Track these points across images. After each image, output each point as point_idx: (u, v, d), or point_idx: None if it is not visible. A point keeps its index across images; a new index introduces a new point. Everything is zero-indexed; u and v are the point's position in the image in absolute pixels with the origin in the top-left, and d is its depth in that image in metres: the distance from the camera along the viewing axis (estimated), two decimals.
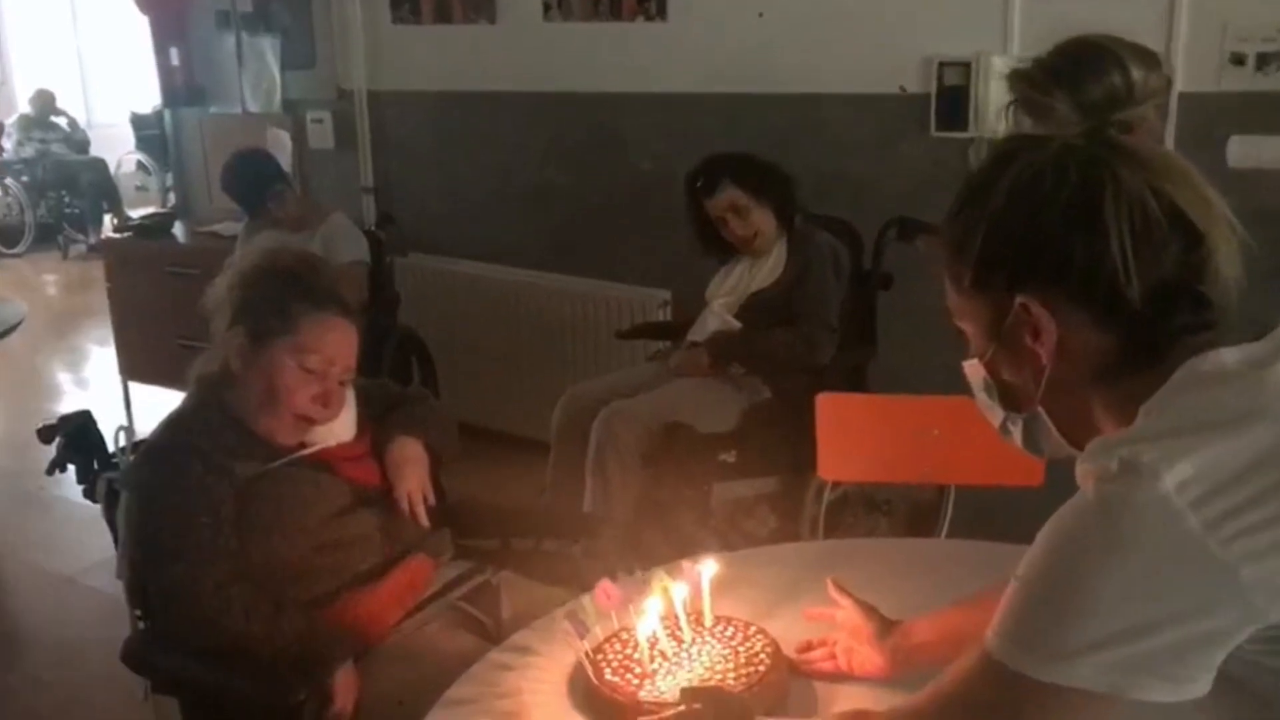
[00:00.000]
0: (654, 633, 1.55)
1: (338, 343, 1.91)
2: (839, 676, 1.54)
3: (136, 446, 1.96)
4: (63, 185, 9.12)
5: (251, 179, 3.95)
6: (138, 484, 1.85)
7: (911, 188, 3.49)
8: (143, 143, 9.53)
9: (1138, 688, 0.95)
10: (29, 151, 9.21)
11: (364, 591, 1.89)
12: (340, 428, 1.99)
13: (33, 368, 4.04)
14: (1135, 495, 0.95)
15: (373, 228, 4.35)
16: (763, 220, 3.15)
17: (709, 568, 1.64)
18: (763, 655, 1.54)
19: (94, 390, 4.55)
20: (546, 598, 1.63)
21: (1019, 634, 1.01)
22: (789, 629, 1.63)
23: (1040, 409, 1.13)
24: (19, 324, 3.82)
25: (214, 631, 1.76)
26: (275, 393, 1.87)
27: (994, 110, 3.41)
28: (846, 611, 1.56)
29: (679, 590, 1.60)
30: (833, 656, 1.56)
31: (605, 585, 1.58)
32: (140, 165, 9.73)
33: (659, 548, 2.87)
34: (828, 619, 1.60)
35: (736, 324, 3.18)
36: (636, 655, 1.54)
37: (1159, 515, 0.94)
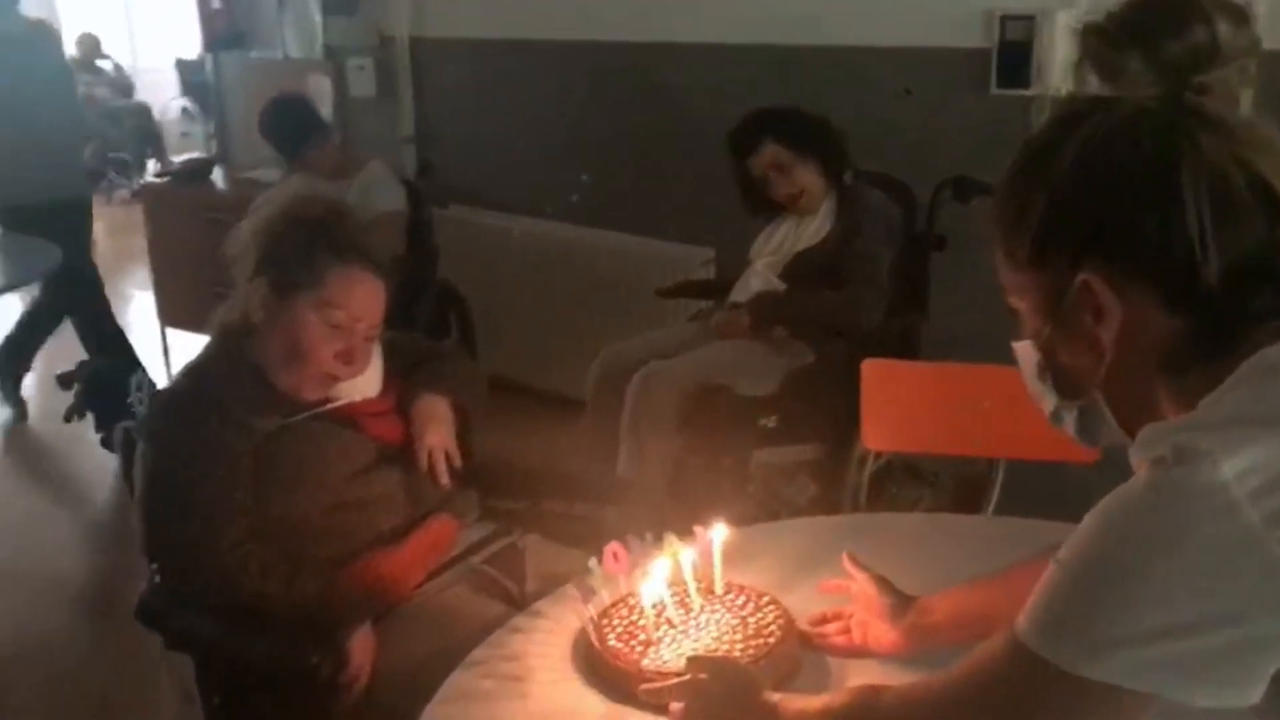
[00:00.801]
0: (661, 600, 1.50)
1: (364, 298, 1.85)
2: (853, 652, 1.49)
3: (155, 395, 1.91)
4: (107, 130, 9.13)
5: (290, 125, 3.91)
6: (153, 434, 1.81)
7: (969, 147, 3.37)
8: (188, 88, 9.50)
9: (1178, 689, 0.89)
10: None
11: (385, 552, 1.83)
12: (365, 383, 1.93)
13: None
14: (1190, 482, 0.88)
15: (412, 178, 4.28)
16: (807, 178, 3.05)
17: (720, 533, 1.58)
18: (774, 627, 1.48)
19: (134, 336, 4.55)
20: (573, 563, 1.57)
21: (1052, 620, 0.94)
22: (805, 601, 1.57)
23: (1098, 396, 1.05)
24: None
25: (228, 589, 1.72)
26: (298, 348, 1.81)
27: (1059, 68, 3.28)
28: (861, 585, 1.50)
29: (687, 556, 1.54)
30: (847, 631, 1.50)
31: (614, 548, 1.53)
32: (185, 111, 9.70)
33: (694, 513, 2.80)
34: (842, 591, 1.54)
35: (781, 284, 3.08)
36: (642, 622, 1.49)
37: (1215, 505, 0.87)
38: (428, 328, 3.84)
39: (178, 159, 5.90)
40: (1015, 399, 2.07)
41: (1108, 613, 0.90)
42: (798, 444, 3.02)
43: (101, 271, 4.59)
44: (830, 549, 1.71)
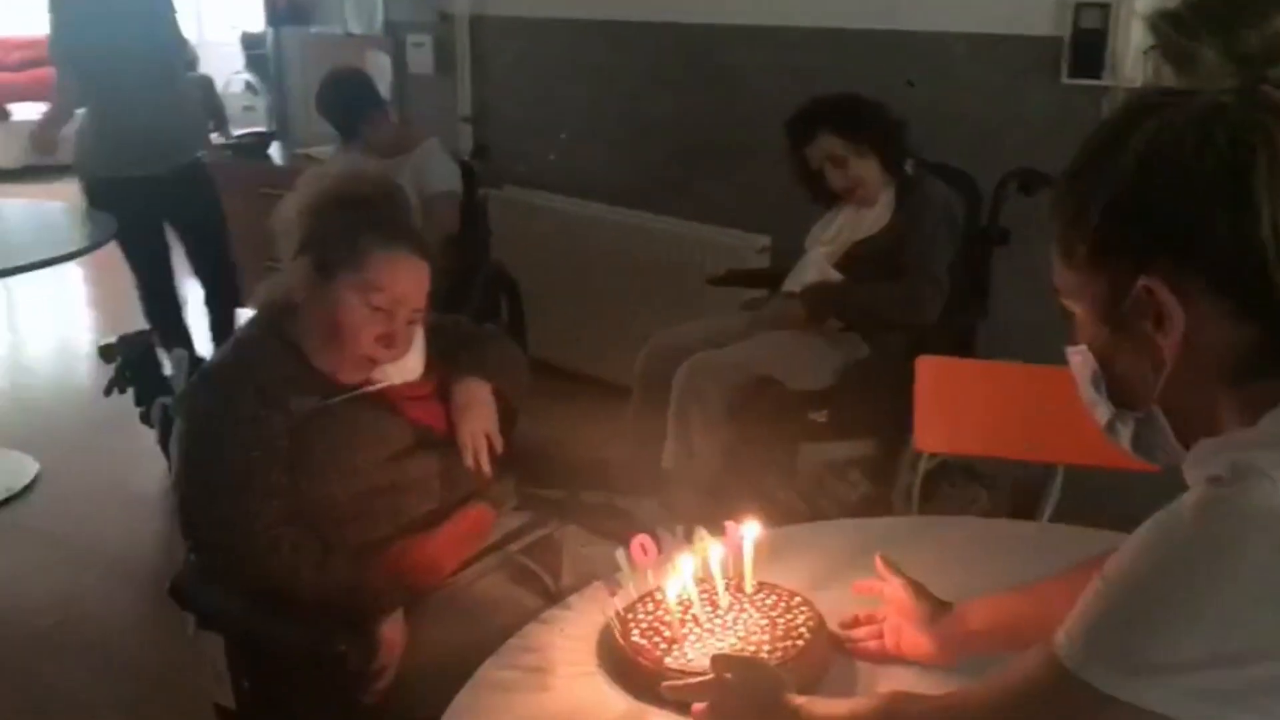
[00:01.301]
0: (688, 596, 1.47)
1: (408, 281, 1.82)
2: (885, 657, 1.44)
3: (193, 371, 1.90)
4: None
5: (346, 100, 3.89)
6: (190, 411, 1.79)
7: (1037, 138, 3.28)
8: (251, 62, 9.55)
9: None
10: None
11: (419, 538, 1.81)
12: (406, 366, 1.91)
13: (132, 283, 4.06)
14: (1246, 503, 0.84)
15: (466, 158, 4.25)
16: (863, 171, 2.98)
17: (752, 530, 1.54)
18: (803, 629, 1.45)
19: (189, 308, 4.57)
20: (611, 557, 1.54)
21: (1094, 640, 0.90)
22: (839, 604, 1.53)
23: (1156, 409, 0.99)
24: (111, 238, 3.82)
25: (259, 571, 1.70)
26: (338, 330, 1.79)
27: (1133, 58, 3.18)
28: (893, 589, 1.45)
29: (715, 552, 1.51)
30: (880, 635, 1.46)
31: (642, 540, 1.49)
32: (248, 85, 9.76)
33: (739, 508, 2.75)
34: (875, 592, 1.49)
35: (836, 275, 3.02)
36: (668, 618, 1.46)
37: (1271, 529, 0.83)
38: (478, 310, 3.81)
39: (238, 132, 5.90)
40: (1077, 402, 2.02)
41: (1150, 637, 0.86)
42: (849, 440, 2.97)
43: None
44: (871, 552, 1.66)
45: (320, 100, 3.95)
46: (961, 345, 3.06)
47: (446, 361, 1.98)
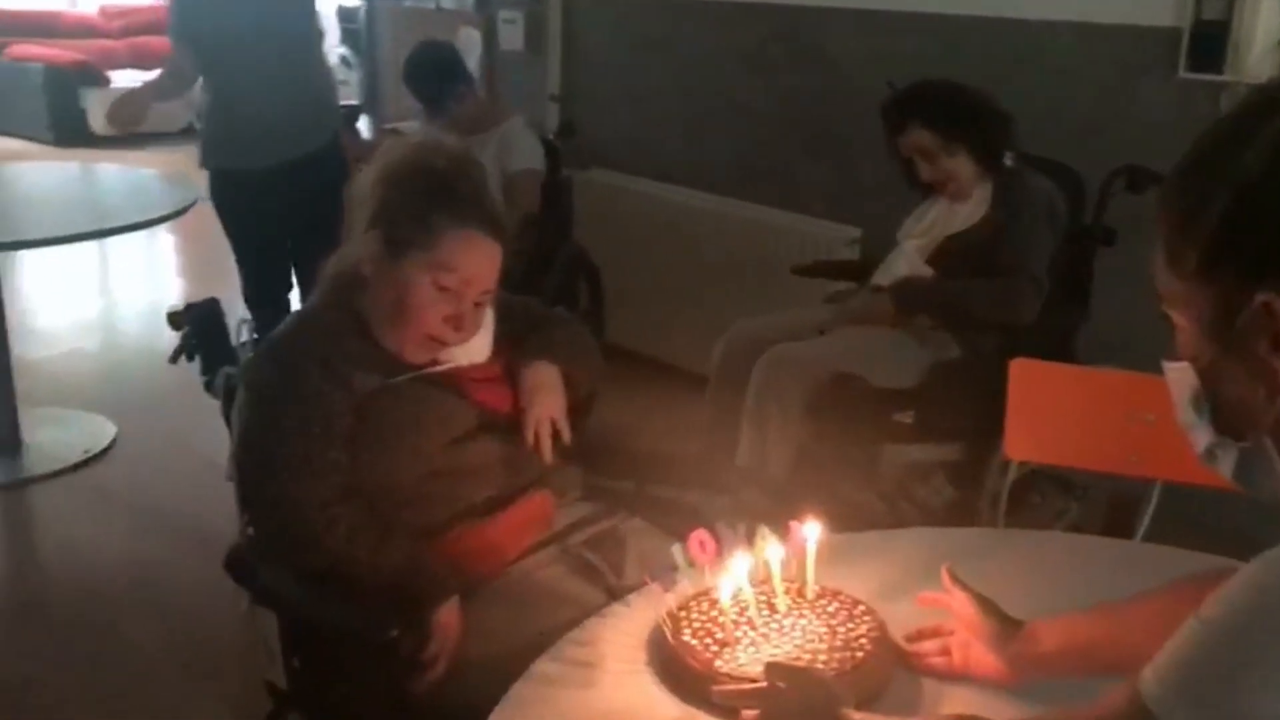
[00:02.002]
0: (744, 597, 1.42)
1: (479, 262, 1.77)
2: (951, 674, 1.37)
3: (258, 342, 1.88)
4: None
5: (433, 73, 3.88)
6: (252, 383, 1.77)
7: (1148, 134, 3.14)
8: (346, 36, 9.65)
9: None
10: None
11: (478, 524, 1.77)
12: (473, 347, 1.86)
13: (226, 252, 4.08)
14: None
15: (551, 136, 4.22)
16: (954, 167, 2.87)
17: (815, 531, 1.48)
18: (865, 640, 1.39)
19: None
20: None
21: (1185, 684, 0.83)
22: (907, 617, 1.47)
23: (1266, 439, 0.91)
24: (192, 205, 3.85)
25: (314, 550, 1.68)
26: (405, 309, 1.75)
27: (1258, 51, 3.03)
28: (961, 603, 1.38)
29: (775, 552, 1.45)
30: (946, 651, 1.38)
31: (701, 535, 1.44)
32: (343, 59, 9.87)
33: (815, 509, 2.68)
34: (941, 605, 1.42)
35: (928, 270, 2.92)
36: (722, 619, 1.41)
37: None
38: (556, 293, 3.78)
39: None
40: None
41: (1248, 691, 0.80)
42: (935, 443, 2.87)
43: None
44: (947, 562, 1.62)
45: (407, 73, 3.95)
46: (1058, 349, 2.93)
47: (516, 344, 1.94)
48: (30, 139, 8.97)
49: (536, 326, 1.98)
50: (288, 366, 1.75)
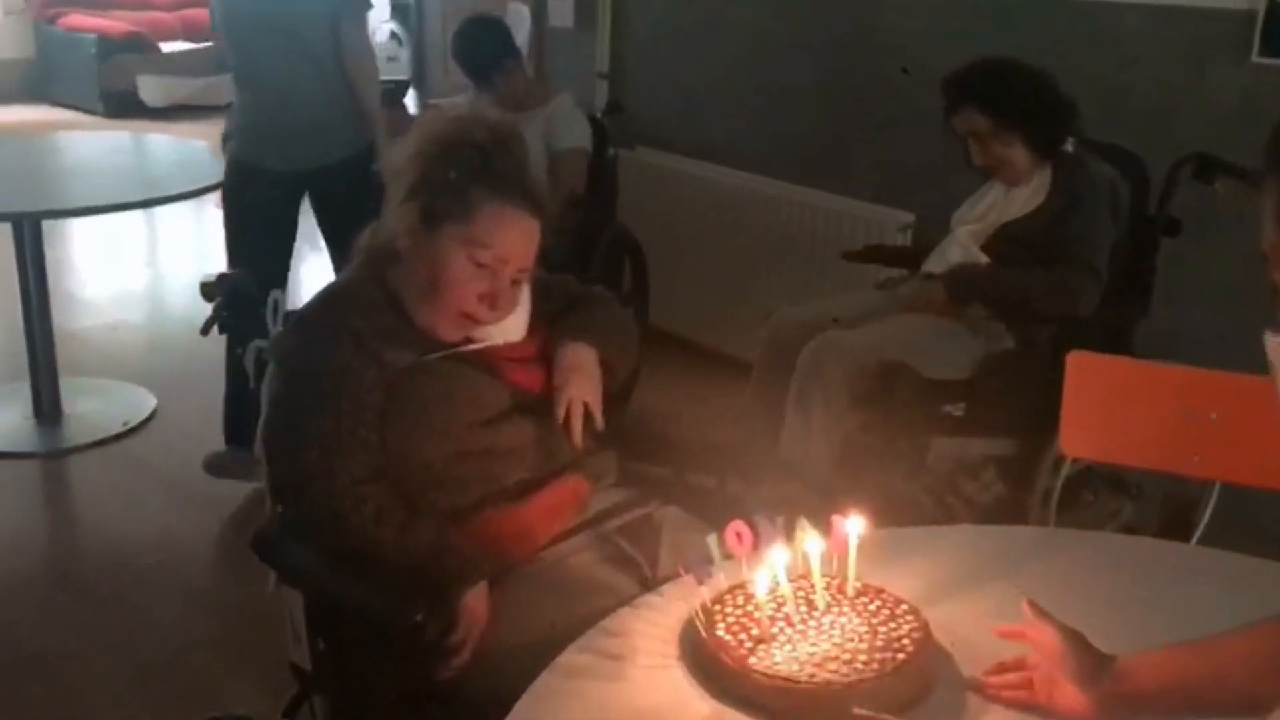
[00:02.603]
0: (781, 592, 1.38)
1: (516, 239, 1.73)
2: (1031, 708, 1.30)
3: (289, 315, 1.85)
4: None
5: (481, 47, 3.85)
6: (281, 356, 1.75)
7: (1217, 121, 3.05)
8: (397, 11, 9.66)
9: None
10: None
11: (508, 508, 1.73)
12: (510, 325, 1.83)
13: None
14: None
15: (598, 115, 4.16)
16: (1006, 153, 2.78)
17: (857, 525, 1.44)
18: (907, 641, 1.34)
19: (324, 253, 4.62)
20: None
21: None
22: (950, 618, 1.42)
23: None
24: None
25: (341, 530, 1.65)
26: (439, 285, 1.71)
27: None
28: (1045, 638, 1.30)
29: (815, 547, 1.41)
30: (1027, 684, 1.31)
31: (737, 526, 1.39)
32: (393, 34, 9.88)
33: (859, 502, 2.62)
34: (1024, 638, 1.34)
35: (983, 258, 2.84)
36: (758, 615, 1.37)
37: None
38: (601, 275, 3.74)
39: None
40: (1245, 414, 1.85)
41: None
42: (986, 437, 2.80)
43: None
44: (994, 564, 1.59)
45: (455, 46, 3.92)
46: (1117, 343, 2.85)
47: (552, 323, 1.90)
48: (81, 109, 9.04)
49: (574, 306, 1.94)
50: (318, 340, 1.72)
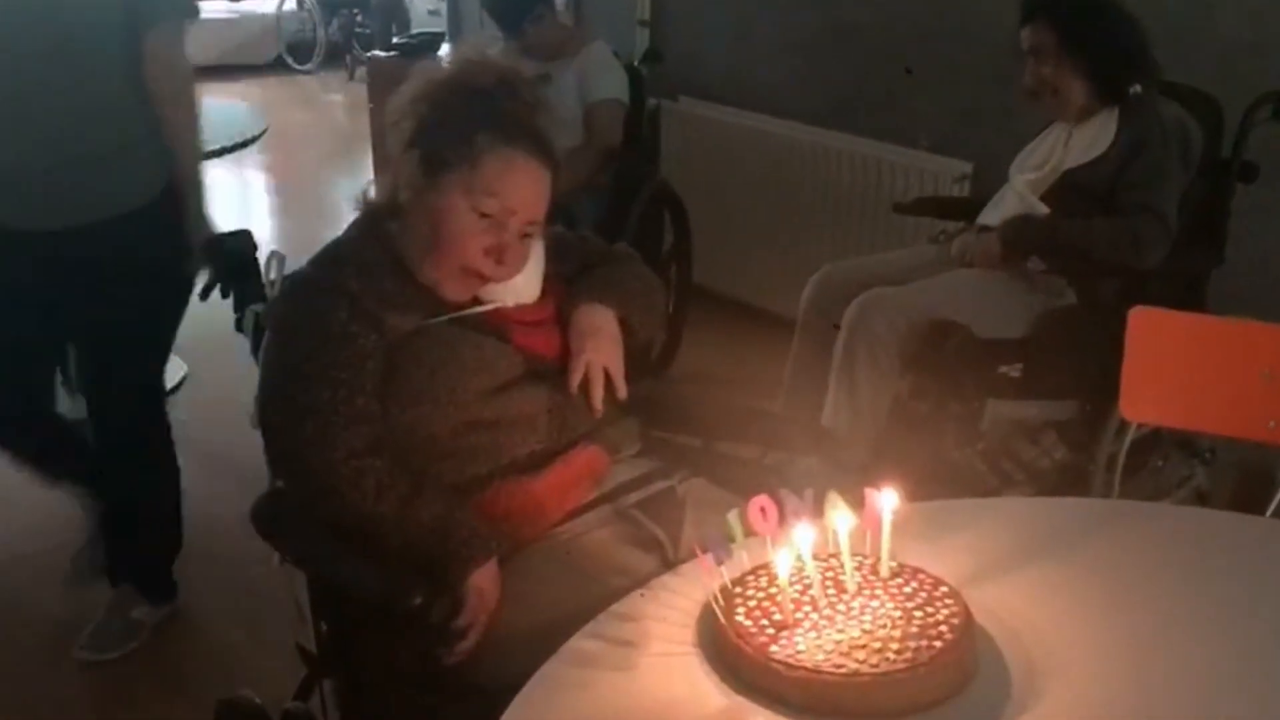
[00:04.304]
0: (807, 574, 1.30)
1: (523, 188, 1.65)
2: None
3: (286, 278, 1.78)
4: (354, 4, 9.33)
5: None
6: (276, 322, 1.68)
7: None
8: None
9: None
10: None
11: (520, 481, 1.65)
12: (521, 286, 1.74)
13: (316, 187, 4.01)
14: None
15: (635, 63, 4.04)
16: (1065, 80, 2.66)
17: (891, 500, 1.34)
18: (945, 628, 1.25)
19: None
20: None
21: None
22: (998, 601, 1.34)
23: None
24: (260, 135, 3.80)
25: (339, 506, 1.58)
26: (442, 237, 1.63)
27: None
28: None
29: (844, 524, 1.32)
30: None
31: (762, 502, 1.31)
32: None
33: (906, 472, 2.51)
34: None
35: (1042, 207, 2.71)
36: (780, 598, 1.28)
37: None
38: (638, 232, 3.65)
39: (413, 33, 5.88)
40: None
41: None
42: (1045, 399, 2.68)
43: (346, 147, 4.54)
44: (1046, 540, 1.49)
45: None
46: (1188, 298, 2.73)
47: (569, 284, 1.81)
48: None
49: (593, 265, 1.86)
50: (314, 305, 1.64)
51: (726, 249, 4.18)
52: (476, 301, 1.70)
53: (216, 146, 3.67)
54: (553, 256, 1.81)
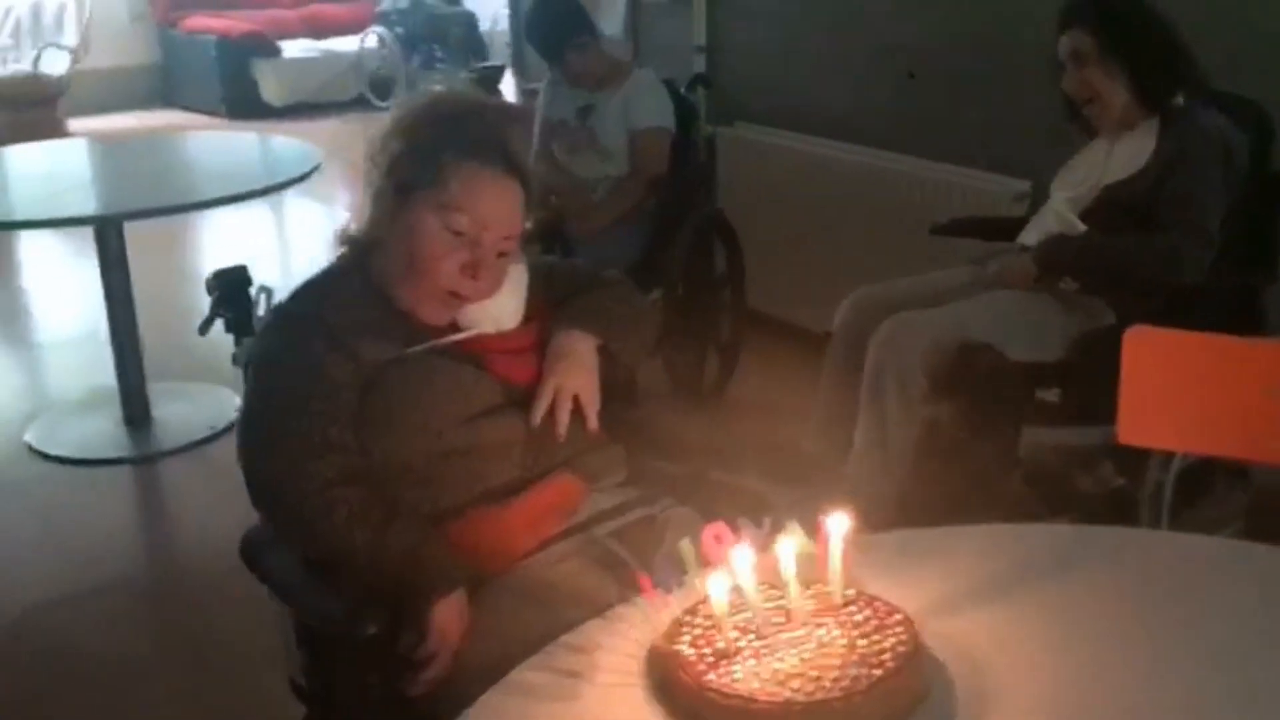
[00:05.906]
0: (749, 601, 1.31)
1: (494, 202, 1.69)
2: None
3: (268, 311, 1.85)
4: (433, 38, 9.53)
5: (550, 25, 3.82)
6: (255, 354, 1.74)
7: None
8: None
9: None
10: (404, 3, 9.68)
11: (491, 510, 1.68)
12: (500, 312, 1.78)
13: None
14: None
15: (682, 90, 4.07)
16: (1104, 85, 2.61)
17: (841, 524, 1.34)
18: (888, 656, 1.24)
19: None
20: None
21: None
22: (966, 631, 1.33)
23: None
24: (314, 170, 3.91)
25: (311, 536, 1.63)
26: (417, 259, 1.69)
27: None
28: None
29: (787, 550, 1.32)
30: None
31: (717, 529, 1.33)
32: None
33: (942, 501, 2.48)
34: None
35: (1081, 226, 2.66)
36: (724, 626, 1.30)
37: None
38: (688, 261, 3.67)
39: (479, 65, 6.01)
40: None
41: None
42: (1085, 424, 2.62)
43: None
44: (1024, 567, 1.49)
45: (526, 25, 3.91)
46: (1243, 316, 2.65)
47: (554, 310, 1.84)
48: (204, 112, 9.37)
49: (580, 292, 1.89)
50: (289, 337, 1.71)
51: (787, 274, 4.16)
52: (455, 327, 1.75)
53: (260, 186, 3.82)
54: (540, 284, 1.85)
